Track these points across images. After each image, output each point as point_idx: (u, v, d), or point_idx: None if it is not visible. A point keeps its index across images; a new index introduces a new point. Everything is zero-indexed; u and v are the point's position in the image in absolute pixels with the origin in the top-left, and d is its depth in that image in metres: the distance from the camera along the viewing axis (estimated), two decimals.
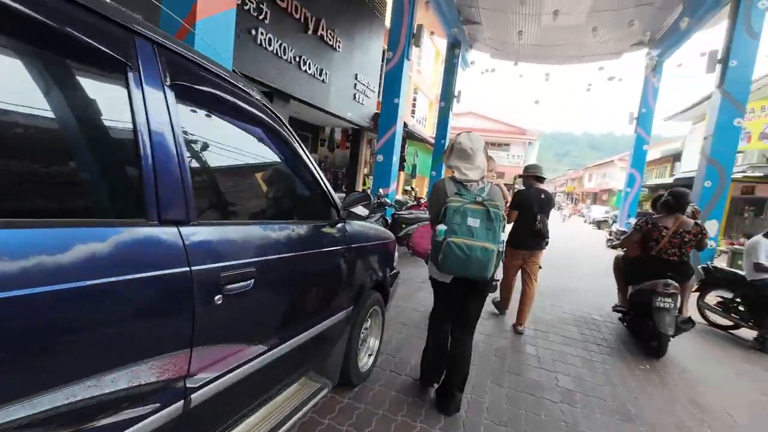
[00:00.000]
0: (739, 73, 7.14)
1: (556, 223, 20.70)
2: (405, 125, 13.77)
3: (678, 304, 3.49)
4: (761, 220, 16.72)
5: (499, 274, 3.96)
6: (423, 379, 2.41)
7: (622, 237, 4.53)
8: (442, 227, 1.96)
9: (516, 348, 3.27)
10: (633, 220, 12.52)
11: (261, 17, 6.95)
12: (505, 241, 3.90)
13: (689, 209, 3.94)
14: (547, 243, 3.74)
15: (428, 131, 19.56)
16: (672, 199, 3.66)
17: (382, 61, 12.43)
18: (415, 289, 4.64)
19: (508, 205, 3.76)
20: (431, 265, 2.16)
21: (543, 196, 3.71)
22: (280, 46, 7.63)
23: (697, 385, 2.98)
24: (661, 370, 3.20)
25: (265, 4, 6.96)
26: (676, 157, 21.18)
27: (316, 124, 14.10)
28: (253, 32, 6.84)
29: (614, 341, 3.76)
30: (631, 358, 3.37)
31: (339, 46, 10.08)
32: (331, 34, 9.50)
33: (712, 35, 9.22)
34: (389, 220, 7.30)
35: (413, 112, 19.21)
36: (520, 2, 8.76)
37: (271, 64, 7.56)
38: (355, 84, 11.86)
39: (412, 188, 17.68)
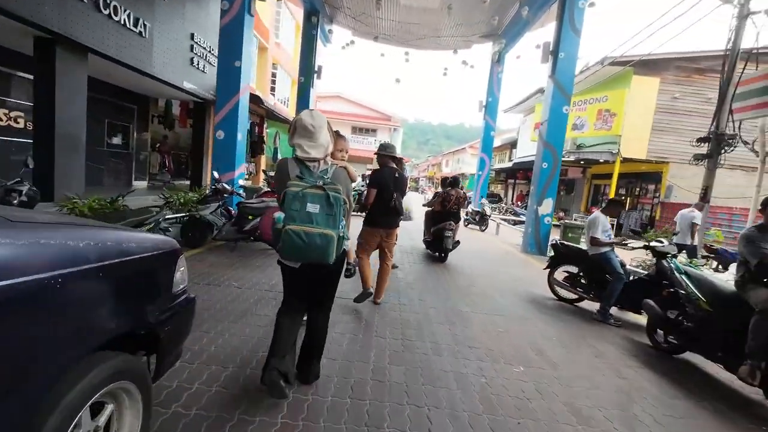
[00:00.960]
0: (566, 64, 7.91)
1: (420, 206, 21.71)
2: (261, 102, 12.07)
3: (454, 234, 6.43)
4: (571, 197, 20.63)
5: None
6: (264, 370, 2.04)
7: (431, 200, 7.28)
8: (279, 214, 1.91)
9: (379, 376, 2.51)
10: (484, 200, 13.96)
11: None
12: (363, 221, 3.86)
13: (460, 185, 6.93)
14: (402, 219, 3.98)
15: (292, 113, 18.01)
16: (453, 181, 6.81)
17: None
18: (254, 302, 3.52)
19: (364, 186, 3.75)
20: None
21: (397, 175, 3.82)
22: None
23: (569, 384, 2.70)
24: (533, 373, 2.87)
25: None
26: (513, 144, 24.44)
27: (143, 94, 11.22)
28: None
29: (495, 344, 3.37)
30: (503, 361, 2.99)
31: None
32: None
33: (545, 34, 10.20)
34: (234, 211, 5.91)
35: (273, 89, 17.37)
36: None
37: None
38: (192, 46, 9.67)
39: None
